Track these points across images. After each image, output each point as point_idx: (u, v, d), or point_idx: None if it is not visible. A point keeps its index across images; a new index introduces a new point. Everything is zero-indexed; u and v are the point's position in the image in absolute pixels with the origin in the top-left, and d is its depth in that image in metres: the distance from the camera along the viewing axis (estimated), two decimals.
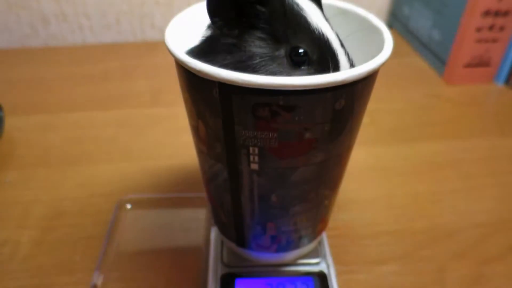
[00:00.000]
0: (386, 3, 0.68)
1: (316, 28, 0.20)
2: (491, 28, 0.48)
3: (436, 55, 0.55)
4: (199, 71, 0.18)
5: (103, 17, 0.64)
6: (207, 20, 0.22)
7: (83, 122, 0.45)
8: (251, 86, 0.17)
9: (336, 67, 0.19)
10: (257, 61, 0.19)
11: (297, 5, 0.20)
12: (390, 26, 0.68)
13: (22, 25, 0.64)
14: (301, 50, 0.19)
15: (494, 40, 0.49)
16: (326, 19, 0.21)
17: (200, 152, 0.23)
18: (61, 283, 0.29)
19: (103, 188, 0.36)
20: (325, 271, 0.27)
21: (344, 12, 0.25)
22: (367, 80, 0.19)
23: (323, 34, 0.20)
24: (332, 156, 0.21)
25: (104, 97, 0.49)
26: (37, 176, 0.38)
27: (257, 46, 0.20)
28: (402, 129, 0.44)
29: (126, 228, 0.32)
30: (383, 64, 0.19)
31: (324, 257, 0.28)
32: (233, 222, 0.25)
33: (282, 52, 0.19)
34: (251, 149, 0.20)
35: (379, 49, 0.21)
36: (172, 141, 0.42)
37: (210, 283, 0.27)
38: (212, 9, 0.20)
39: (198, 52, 0.21)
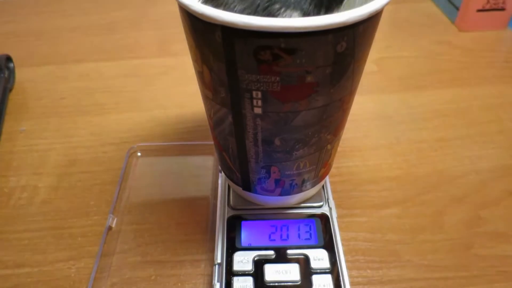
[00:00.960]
0: None
1: None
2: None
3: (449, 0, 0.53)
4: (201, 15, 0.18)
5: None
6: None
7: (91, 73, 0.45)
8: (253, 29, 0.17)
9: None
10: None
11: None
12: None
13: None
14: None
15: None
16: None
17: (205, 98, 0.24)
18: (78, 225, 0.30)
19: (114, 137, 0.37)
20: (327, 213, 0.28)
21: None
22: (369, 22, 0.19)
23: None
24: (333, 100, 0.22)
25: (111, 47, 0.50)
26: (50, 125, 0.39)
27: None
28: (410, 77, 0.44)
29: (137, 174, 0.34)
30: (386, 5, 0.19)
31: (326, 200, 0.29)
32: (238, 167, 0.26)
33: None
34: (254, 93, 0.20)
35: None
36: (180, 91, 0.43)
37: (218, 225, 0.28)
38: None
39: None
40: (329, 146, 0.25)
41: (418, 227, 0.30)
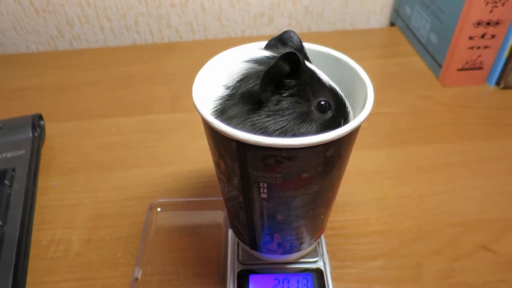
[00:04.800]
0: None
1: (329, 85, 0.27)
2: (483, 36, 0.52)
3: (433, 57, 0.59)
4: (221, 131, 0.24)
5: (122, 18, 0.69)
6: (224, 71, 0.27)
7: (112, 128, 0.51)
8: (260, 145, 0.23)
9: (345, 109, 0.27)
10: (301, 119, 0.25)
11: (314, 72, 0.26)
12: (393, 23, 0.72)
13: (49, 27, 0.69)
14: (323, 103, 0.26)
15: (486, 47, 0.53)
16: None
17: (220, 179, 0.29)
18: (108, 276, 0.35)
19: (135, 192, 0.43)
20: (322, 268, 0.33)
21: (337, 60, 0.30)
22: (351, 133, 0.25)
23: (334, 88, 0.27)
24: (325, 186, 0.27)
25: (129, 102, 0.55)
26: (79, 181, 0.44)
27: (296, 107, 0.25)
28: (397, 133, 0.49)
29: (157, 228, 0.39)
30: (363, 121, 0.24)
31: (321, 256, 0.34)
32: (247, 232, 0.31)
33: (312, 107, 0.26)
34: (261, 184, 0.26)
35: (364, 96, 0.26)
36: (192, 146, 0.48)
37: (229, 277, 0.33)
38: (262, 88, 0.25)
39: (236, 113, 0.26)
40: (322, 216, 0.31)
41: (400, 278, 0.35)
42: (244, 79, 0.26)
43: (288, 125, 0.25)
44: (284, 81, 0.25)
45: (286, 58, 0.24)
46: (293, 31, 0.29)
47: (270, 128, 0.25)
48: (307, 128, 0.25)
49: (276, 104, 0.25)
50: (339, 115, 0.26)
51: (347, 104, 0.27)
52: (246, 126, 0.25)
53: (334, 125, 0.26)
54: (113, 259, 0.37)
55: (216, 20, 0.70)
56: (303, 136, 0.25)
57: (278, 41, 0.29)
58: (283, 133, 0.25)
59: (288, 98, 0.25)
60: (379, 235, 0.38)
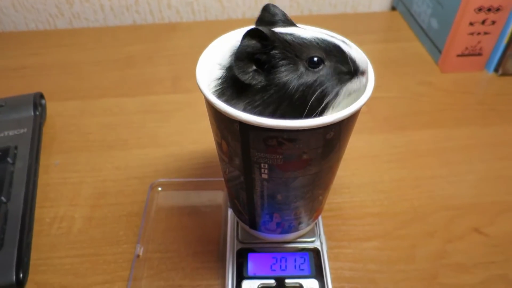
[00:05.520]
0: None
1: (311, 39, 0.26)
2: (483, 22, 0.52)
3: (434, 43, 0.59)
4: (225, 112, 0.24)
5: None
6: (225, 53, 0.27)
7: (114, 108, 0.51)
8: (262, 126, 0.23)
9: (341, 53, 0.26)
10: (292, 85, 0.25)
11: (290, 34, 0.26)
12: (394, 7, 0.72)
13: (48, 5, 0.68)
14: (315, 58, 0.25)
15: (486, 33, 0.54)
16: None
17: (222, 160, 0.30)
18: (110, 253, 0.36)
19: (136, 171, 0.43)
20: (319, 248, 0.34)
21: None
22: (351, 117, 0.25)
23: (320, 40, 0.26)
24: (323, 168, 0.28)
25: (130, 83, 0.55)
26: (81, 159, 0.45)
27: (286, 76, 0.25)
28: (395, 118, 0.50)
29: (158, 207, 0.40)
30: (363, 105, 0.25)
31: (319, 236, 0.35)
32: (247, 212, 0.32)
33: (302, 68, 0.25)
34: (262, 164, 0.26)
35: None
36: (193, 127, 0.48)
37: (228, 256, 0.34)
38: (240, 72, 0.25)
39: (232, 93, 0.26)
40: (320, 197, 0.31)
41: (394, 259, 0.36)
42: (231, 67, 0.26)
43: (277, 95, 0.25)
44: (261, 56, 0.25)
45: (250, 37, 0.24)
46: (271, 4, 0.28)
47: (270, 107, 0.25)
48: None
49: (266, 80, 0.25)
50: (339, 61, 0.25)
51: (341, 46, 0.26)
52: (247, 110, 0.25)
53: (341, 73, 0.25)
54: (115, 236, 0.38)
55: (216, 1, 0.70)
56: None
57: (262, 23, 0.28)
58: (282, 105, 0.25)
59: (274, 70, 0.25)
60: (375, 217, 0.39)
